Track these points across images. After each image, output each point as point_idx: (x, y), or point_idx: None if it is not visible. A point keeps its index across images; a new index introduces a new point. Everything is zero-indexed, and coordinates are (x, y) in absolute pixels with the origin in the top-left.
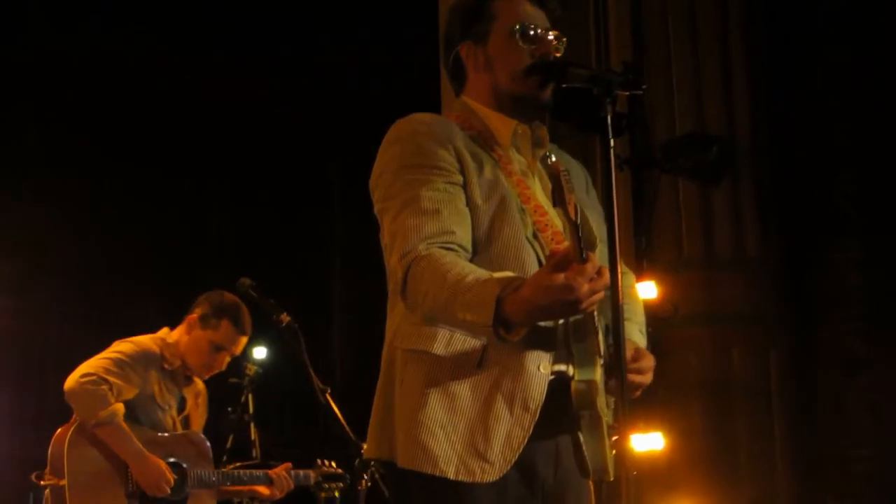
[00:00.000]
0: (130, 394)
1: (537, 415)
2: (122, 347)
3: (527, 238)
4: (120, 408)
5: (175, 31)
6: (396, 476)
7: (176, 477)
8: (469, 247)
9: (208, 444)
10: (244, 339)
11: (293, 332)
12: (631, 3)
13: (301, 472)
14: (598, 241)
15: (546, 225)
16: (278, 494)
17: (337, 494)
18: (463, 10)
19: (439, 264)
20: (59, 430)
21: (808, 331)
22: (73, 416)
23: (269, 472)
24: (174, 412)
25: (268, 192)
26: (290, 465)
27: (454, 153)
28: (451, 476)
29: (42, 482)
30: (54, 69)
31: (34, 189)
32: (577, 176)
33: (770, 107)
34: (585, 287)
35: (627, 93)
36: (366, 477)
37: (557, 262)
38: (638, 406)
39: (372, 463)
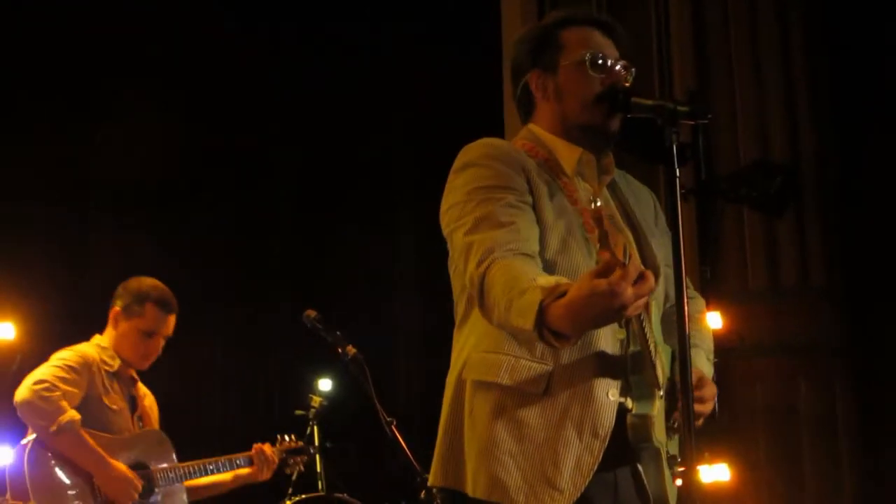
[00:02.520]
0: (77, 399)
1: (606, 441)
2: (63, 355)
3: (592, 266)
4: (77, 415)
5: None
6: None
7: (143, 482)
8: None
9: (168, 439)
10: (173, 318)
11: (359, 364)
12: (693, 32)
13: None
14: (661, 266)
15: None
16: (265, 473)
17: (301, 469)
18: (532, 39)
19: (509, 269)
20: (14, 451)
21: (875, 360)
22: (25, 435)
23: (249, 453)
24: (127, 413)
25: (331, 222)
26: (268, 444)
27: (524, 176)
28: None
29: None
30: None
31: (92, 219)
32: (646, 203)
33: (835, 135)
34: (629, 291)
35: (692, 122)
36: None
37: (599, 270)
38: (704, 437)
39: (435, 490)
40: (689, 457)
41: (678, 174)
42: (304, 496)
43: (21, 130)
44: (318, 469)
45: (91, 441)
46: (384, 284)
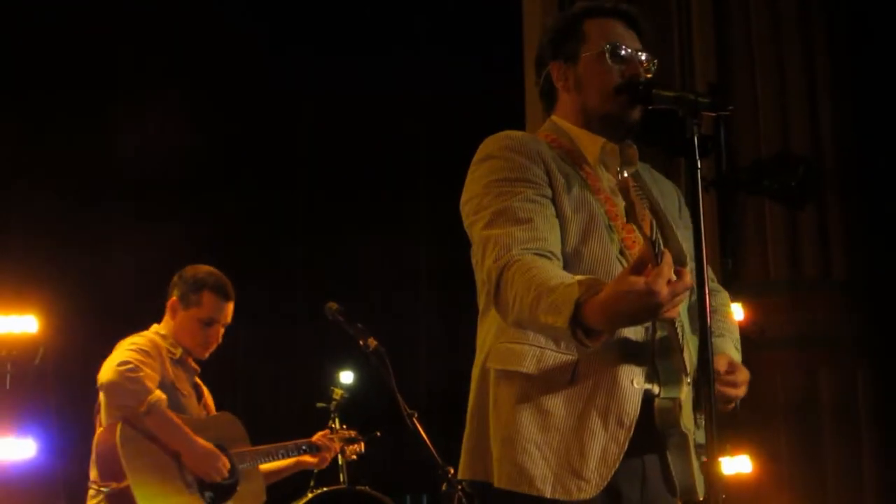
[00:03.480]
0: (156, 383)
1: (632, 430)
2: (134, 340)
3: (615, 255)
4: (163, 395)
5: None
6: (492, 496)
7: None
8: (560, 256)
9: (240, 422)
10: (231, 305)
11: (380, 356)
12: (715, 25)
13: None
14: (688, 259)
15: (634, 242)
16: (327, 460)
17: (355, 458)
18: (554, 30)
19: (530, 268)
20: (98, 434)
21: None
22: (100, 420)
23: (313, 439)
24: (195, 400)
25: (354, 215)
26: (328, 431)
27: (543, 168)
28: (548, 495)
29: (100, 488)
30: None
31: (113, 213)
32: (670, 196)
33: (857, 127)
34: (665, 290)
35: (713, 114)
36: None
37: (634, 266)
38: (726, 428)
39: (461, 485)
40: (710, 447)
41: (699, 166)
42: (325, 489)
43: (41, 124)
44: (340, 462)
45: (178, 420)
46: (406, 277)
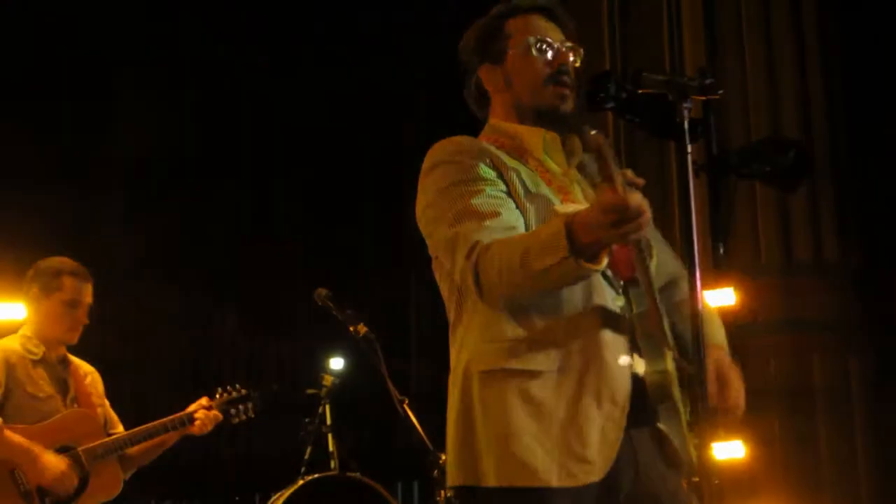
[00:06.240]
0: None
1: (627, 407)
2: None
3: None
4: None
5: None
6: (485, 498)
7: (71, 462)
8: None
9: (94, 415)
10: (90, 286)
11: (370, 342)
12: (704, 9)
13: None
14: (654, 251)
15: None
16: (207, 427)
17: (252, 415)
18: (478, 33)
19: (507, 240)
20: None
21: (889, 336)
22: None
23: (188, 411)
24: (58, 398)
25: (346, 205)
26: (206, 399)
27: (492, 166)
28: (555, 483)
29: None
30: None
31: (102, 200)
32: None
33: (847, 109)
34: (637, 202)
35: (704, 98)
36: (444, 490)
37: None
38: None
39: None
40: (703, 435)
41: (689, 150)
42: (317, 475)
43: (31, 116)
44: (331, 448)
45: (15, 438)
46: (399, 264)
